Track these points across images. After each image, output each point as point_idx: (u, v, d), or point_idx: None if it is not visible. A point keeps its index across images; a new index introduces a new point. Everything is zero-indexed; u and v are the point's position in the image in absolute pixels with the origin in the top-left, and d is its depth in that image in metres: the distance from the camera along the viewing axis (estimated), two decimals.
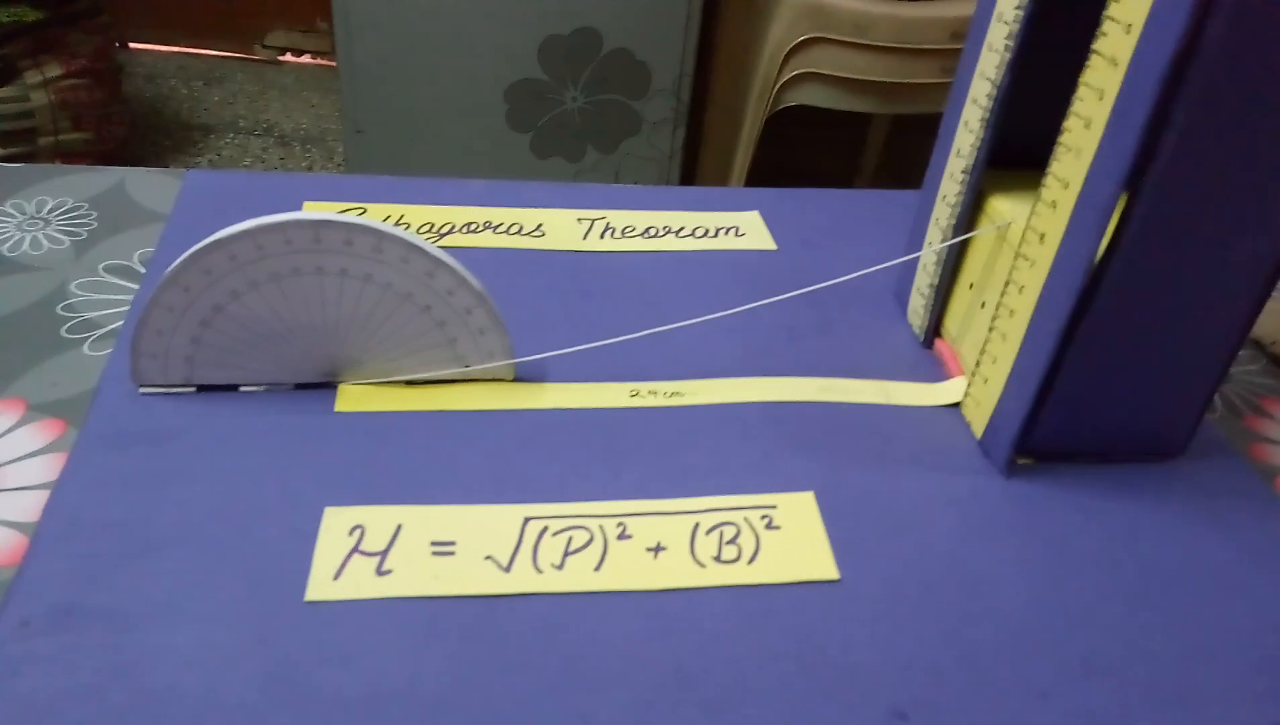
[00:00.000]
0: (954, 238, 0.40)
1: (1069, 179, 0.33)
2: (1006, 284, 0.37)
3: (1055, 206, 0.33)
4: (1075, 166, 0.32)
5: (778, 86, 1.46)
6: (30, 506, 0.32)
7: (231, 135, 1.83)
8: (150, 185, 0.48)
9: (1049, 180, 0.34)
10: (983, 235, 0.39)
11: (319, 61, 2.08)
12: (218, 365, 0.36)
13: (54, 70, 1.53)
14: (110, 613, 0.28)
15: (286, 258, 0.34)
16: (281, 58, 2.09)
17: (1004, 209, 0.38)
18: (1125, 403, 0.37)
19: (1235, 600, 0.33)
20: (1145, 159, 0.30)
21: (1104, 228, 0.32)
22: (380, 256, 0.34)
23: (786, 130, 1.53)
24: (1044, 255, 0.34)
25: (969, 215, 0.40)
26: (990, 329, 0.38)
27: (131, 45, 2.02)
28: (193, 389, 0.36)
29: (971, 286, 0.40)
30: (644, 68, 1.48)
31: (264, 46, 2.08)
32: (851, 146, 1.71)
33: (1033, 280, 0.35)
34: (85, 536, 0.30)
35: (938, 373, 0.42)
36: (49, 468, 0.33)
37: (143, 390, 0.36)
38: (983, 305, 0.39)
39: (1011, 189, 0.39)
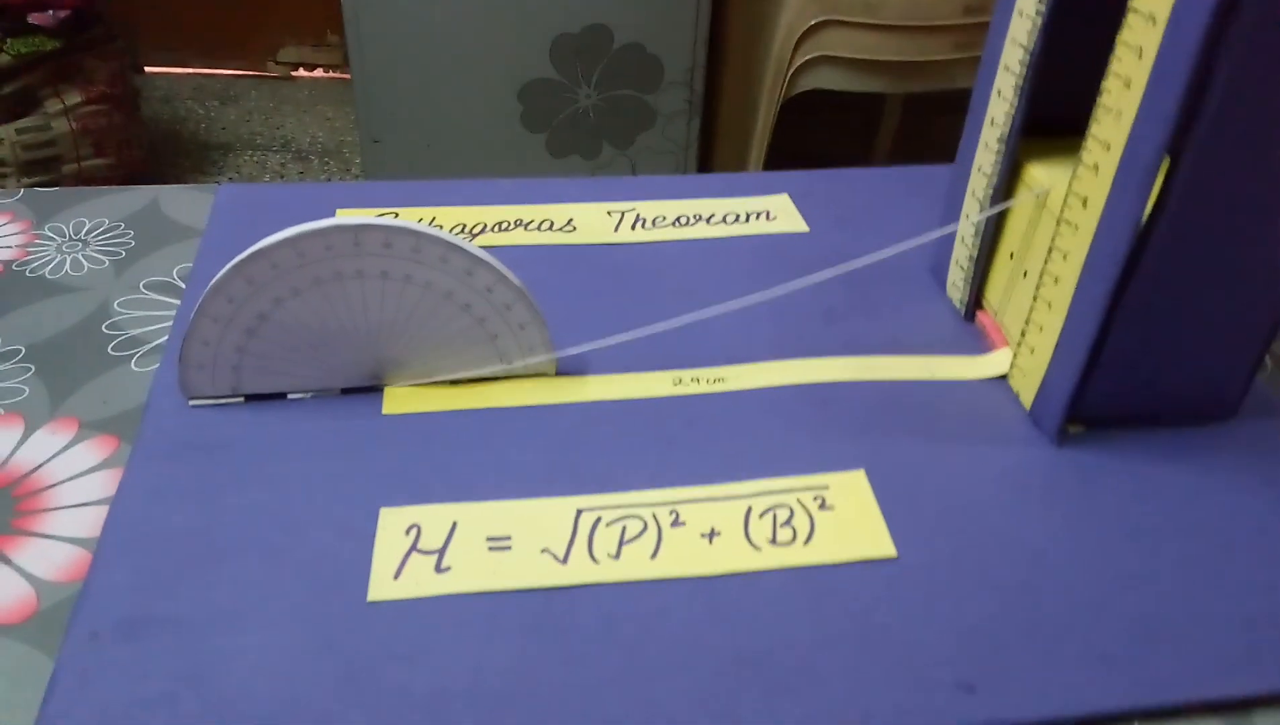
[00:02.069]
0: (992, 208, 0.39)
1: (1110, 141, 0.32)
2: (1049, 251, 0.36)
3: (1097, 170, 0.33)
4: (1116, 128, 0.32)
5: (790, 72, 1.45)
6: (90, 522, 0.32)
7: (250, 152, 1.84)
8: (183, 202, 0.48)
9: (1089, 143, 0.33)
10: (1022, 204, 0.39)
11: (332, 75, 2.10)
12: (265, 373, 0.36)
13: (74, 98, 1.55)
14: (177, 621, 0.29)
15: (327, 263, 0.34)
16: (294, 73, 2.10)
17: (1042, 176, 0.38)
18: (1175, 365, 0.36)
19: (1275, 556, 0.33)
20: (1189, 117, 0.30)
21: (1149, 190, 0.31)
22: (419, 257, 0.34)
23: (801, 116, 1.52)
24: (1087, 220, 0.34)
25: (1006, 185, 0.39)
26: (1034, 298, 0.37)
27: (146, 69, 2.04)
28: (241, 399, 0.36)
29: (1012, 256, 0.40)
30: (656, 61, 1.48)
31: (276, 63, 2.09)
32: (867, 128, 1.70)
33: (1077, 246, 0.35)
34: (146, 548, 0.31)
35: (981, 346, 0.42)
36: (106, 484, 0.33)
37: (192, 403, 0.36)
38: (1025, 275, 0.39)
39: (1048, 156, 0.38)
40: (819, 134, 1.73)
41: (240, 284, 0.34)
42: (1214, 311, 0.35)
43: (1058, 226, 0.36)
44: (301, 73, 2.10)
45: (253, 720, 0.26)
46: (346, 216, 0.34)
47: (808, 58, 1.42)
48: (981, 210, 0.40)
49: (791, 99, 1.43)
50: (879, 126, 1.69)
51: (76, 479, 0.34)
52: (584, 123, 1.49)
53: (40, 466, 0.34)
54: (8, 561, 0.31)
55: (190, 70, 2.08)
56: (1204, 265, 0.34)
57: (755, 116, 1.53)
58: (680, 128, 1.55)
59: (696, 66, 1.52)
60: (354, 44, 1.37)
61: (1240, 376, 0.37)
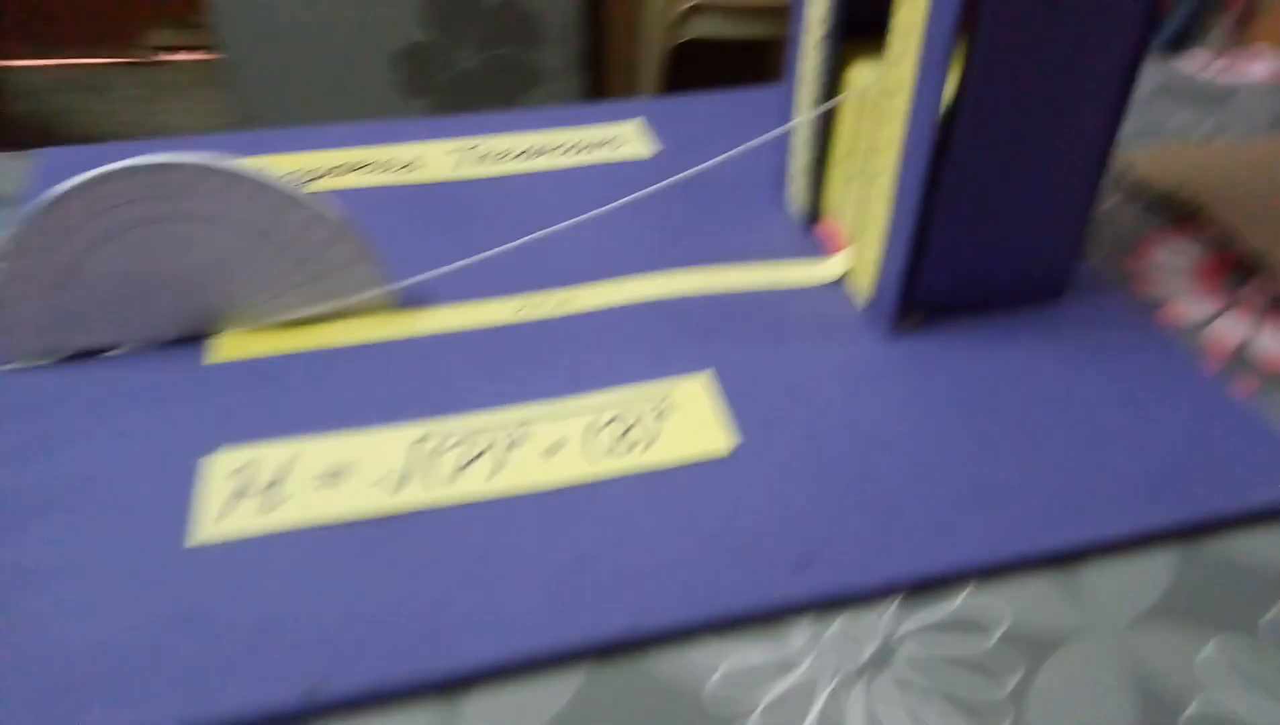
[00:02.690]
0: (816, 110, 0.40)
1: (909, 28, 0.33)
2: (869, 146, 0.37)
3: (901, 59, 0.33)
4: (913, 14, 0.32)
5: (672, 23, 1.45)
6: None
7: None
8: (3, 172, 0.46)
9: (893, 35, 0.34)
10: (846, 106, 0.39)
11: (203, 57, 2.02)
12: (79, 331, 0.34)
13: None
14: None
15: (128, 208, 0.32)
16: (163, 57, 2.02)
17: (863, 76, 0.38)
18: (1000, 247, 0.37)
19: (1122, 420, 0.34)
20: None
21: (945, 73, 0.32)
22: (227, 196, 0.33)
23: (689, 67, 1.52)
24: (897, 110, 0.34)
25: (830, 89, 0.40)
26: (861, 195, 0.38)
27: (4, 63, 1.94)
28: (56, 359, 0.35)
29: (843, 161, 0.40)
30: (531, 18, 1.46)
31: (142, 47, 2.00)
32: (756, 76, 1.70)
33: (891, 137, 0.35)
34: None
35: (823, 252, 0.42)
36: None
37: (5, 368, 0.34)
38: (855, 177, 0.39)
39: (868, 56, 0.39)
40: (709, 86, 1.73)
41: (41, 237, 0.32)
42: (1031, 193, 0.36)
43: (875, 118, 0.36)
44: (171, 56, 2.02)
45: (69, 671, 0.25)
46: (146, 157, 0.32)
47: (686, 6, 1.42)
48: (808, 115, 0.40)
49: (679, 51, 1.43)
50: (765, 73, 1.69)
51: None
52: (465, 85, 1.46)
53: None
54: None
55: (53, 61, 1.98)
56: (1013, 145, 0.34)
57: (640, 73, 1.52)
58: (565, 86, 1.53)
59: (574, 22, 1.50)
60: (220, 22, 1.32)
61: (1067, 255, 0.39)
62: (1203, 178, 0.46)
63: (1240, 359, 0.38)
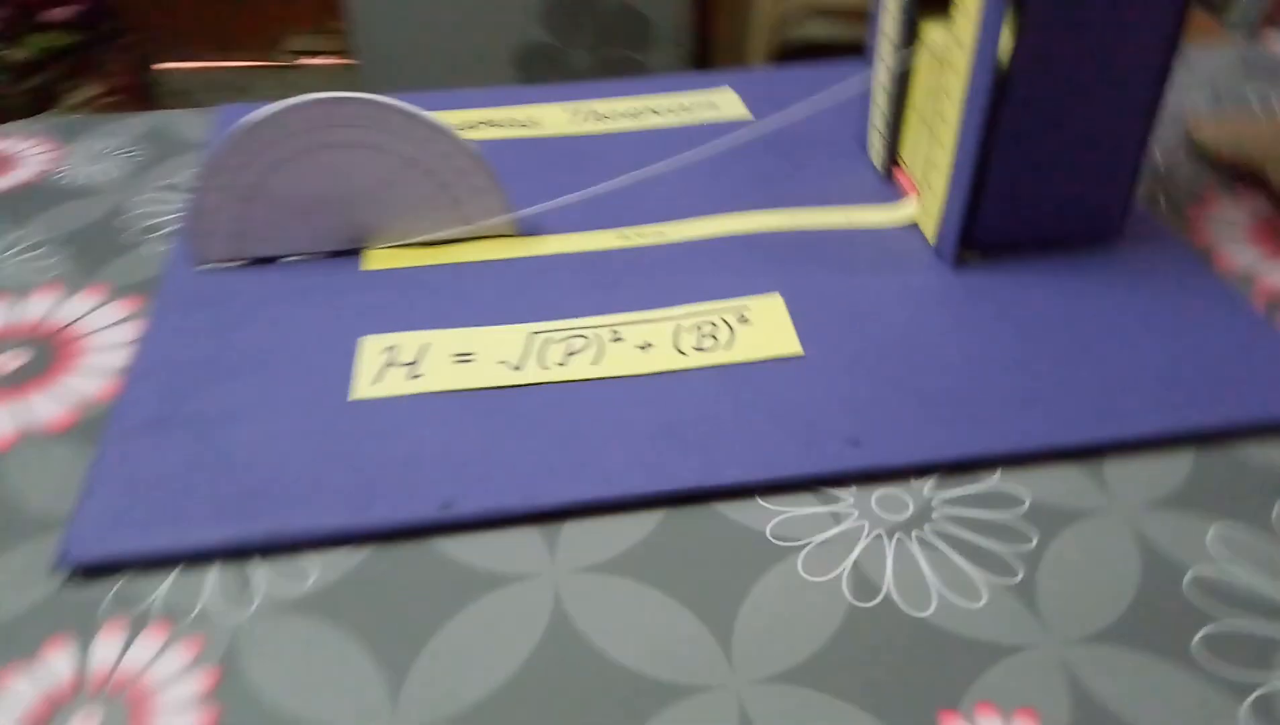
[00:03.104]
0: (896, 65, 0.44)
1: None
2: (938, 95, 0.41)
3: (965, 16, 0.38)
4: None
5: (780, 24, 1.49)
6: (120, 358, 0.38)
7: None
8: (189, 123, 0.54)
9: None
10: (920, 66, 0.44)
11: (336, 61, 2.15)
12: (260, 240, 0.42)
13: (92, 90, 1.62)
14: (190, 420, 0.34)
15: (304, 136, 0.39)
16: (300, 61, 2.16)
17: (937, 35, 0.43)
18: (1053, 191, 0.41)
19: (1157, 339, 0.38)
20: None
21: (1000, 27, 0.36)
22: (386, 128, 0.40)
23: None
24: (963, 60, 0.39)
25: (908, 46, 0.44)
26: (930, 141, 0.42)
27: (157, 66, 2.11)
28: (242, 263, 0.42)
29: (916, 116, 0.45)
30: (644, 19, 1.52)
31: (282, 52, 2.15)
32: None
33: (956, 85, 0.40)
34: (166, 370, 0.37)
35: (897, 199, 0.47)
36: (131, 331, 0.39)
37: (201, 268, 0.42)
38: (925, 129, 0.44)
39: (941, 22, 0.43)
40: None
41: (234, 157, 0.40)
42: (1082, 139, 0.40)
43: (942, 71, 0.41)
44: (309, 60, 2.16)
45: (254, 488, 0.32)
46: (319, 94, 0.39)
47: (797, 9, 1.46)
48: (890, 73, 0.45)
49: (785, 55, 1.48)
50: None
51: (107, 328, 0.40)
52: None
53: (78, 319, 0.40)
54: (53, 390, 0.37)
55: (200, 65, 2.14)
56: (1064, 95, 0.38)
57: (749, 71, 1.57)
58: None
59: (686, 24, 1.56)
60: (354, 29, 1.43)
61: (1119, 197, 0.42)
62: (1265, 144, 0.49)
63: None
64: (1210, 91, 0.58)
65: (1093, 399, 0.35)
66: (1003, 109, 0.38)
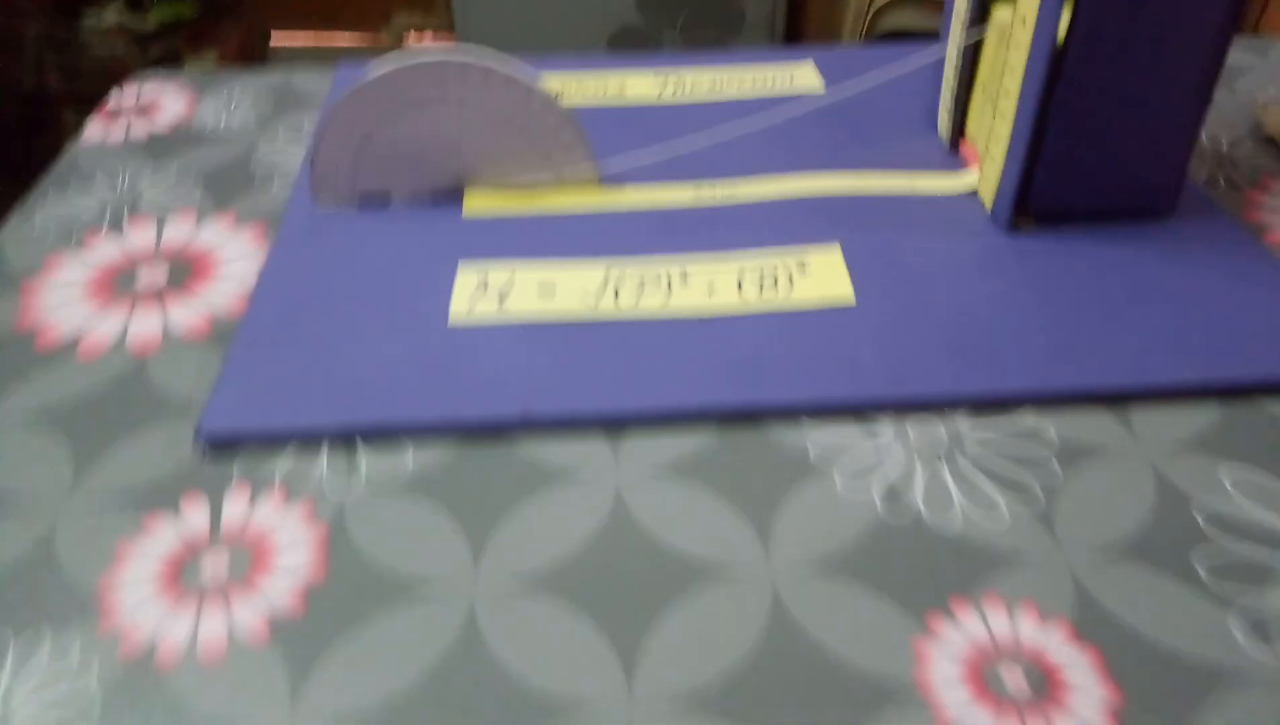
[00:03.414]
0: (965, 41, 0.47)
1: None
2: (1002, 70, 0.44)
3: None
4: None
5: (871, 13, 1.50)
6: (248, 278, 0.43)
7: None
8: (311, 79, 0.60)
9: None
10: (988, 43, 0.46)
11: (440, 38, 2.23)
12: (372, 183, 0.46)
13: (211, 58, 1.72)
14: (308, 332, 0.39)
15: (413, 91, 0.44)
16: (407, 38, 2.24)
17: (1004, 14, 0.45)
18: (1106, 163, 0.43)
19: (1199, 303, 0.40)
20: None
21: (1061, 5, 0.39)
22: (486, 86, 0.44)
23: None
24: (1025, 37, 0.41)
25: (978, 25, 0.47)
26: (993, 114, 0.45)
27: (269, 42, 2.21)
28: (355, 204, 0.47)
29: (982, 91, 0.47)
30: (737, 5, 1.55)
31: (389, 29, 2.24)
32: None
33: (1019, 61, 0.42)
34: (287, 291, 0.42)
35: (961, 169, 0.49)
36: (258, 254, 0.45)
37: (320, 203, 0.47)
38: (989, 103, 0.46)
39: (1009, 3, 0.46)
40: None
41: (351, 109, 0.44)
42: (1138, 110, 0.42)
43: (1007, 47, 0.43)
44: (414, 37, 2.24)
45: (361, 388, 0.37)
46: (428, 55, 0.44)
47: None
48: (959, 50, 0.48)
49: (874, 41, 1.49)
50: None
51: (236, 253, 0.45)
52: None
53: (210, 243, 0.45)
54: (192, 300, 0.42)
55: (310, 42, 2.24)
56: (1119, 72, 0.41)
57: None
58: None
59: (777, 11, 1.58)
60: (457, 7, 1.49)
61: (1171, 173, 0.44)
62: None
63: None
64: None
65: (1127, 350, 0.38)
66: (1059, 83, 0.41)
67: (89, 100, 1.58)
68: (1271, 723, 0.27)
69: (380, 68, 0.44)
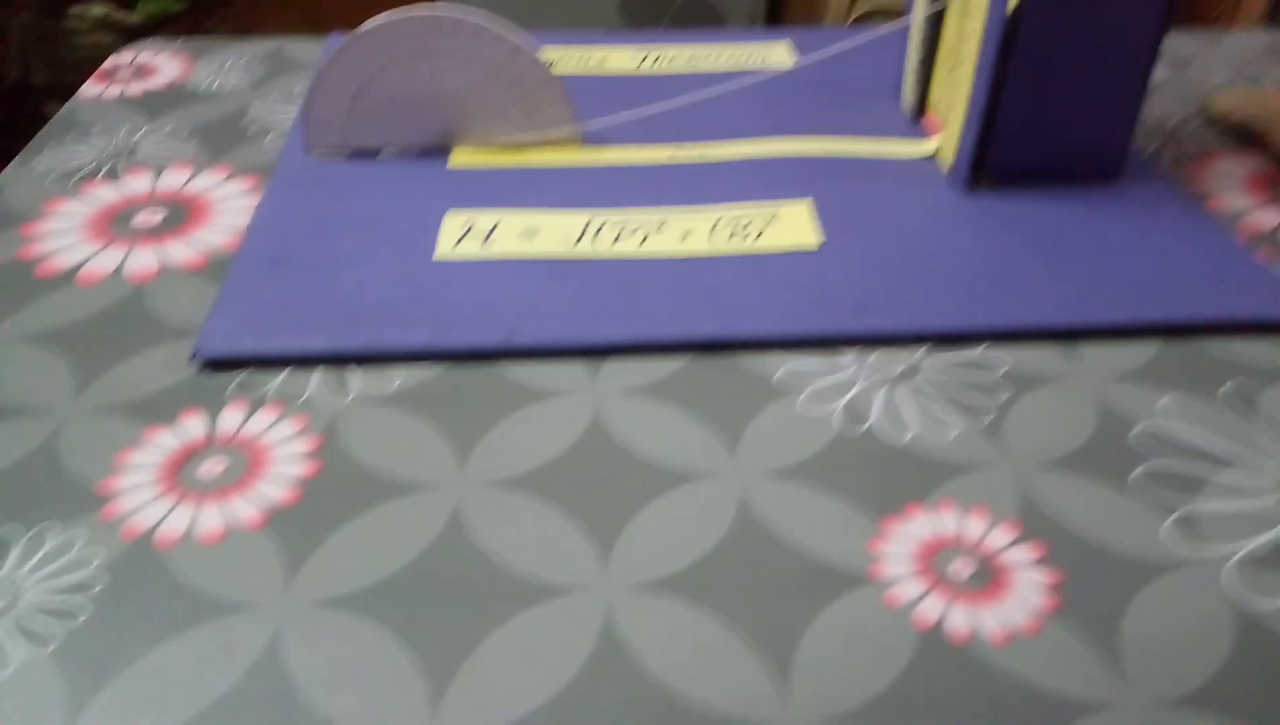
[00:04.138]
0: (929, 9, 0.50)
1: None
2: (960, 39, 0.46)
3: None
4: None
5: (852, 7, 1.55)
6: (244, 218, 0.45)
7: None
8: (302, 48, 0.62)
9: None
10: (950, 16, 0.49)
11: None
12: (364, 134, 0.48)
13: None
14: (302, 261, 0.41)
15: (405, 44, 0.46)
16: None
17: None
18: (1060, 125, 0.46)
19: (1140, 253, 0.43)
20: None
21: None
22: (476, 41, 0.46)
23: None
24: (981, 6, 0.44)
25: (939, 12, 0.50)
26: (953, 84, 0.48)
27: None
28: (346, 154, 0.49)
29: (944, 63, 0.50)
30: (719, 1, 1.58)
31: None
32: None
33: (975, 30, 0.45)
34: (282, 226, 0.44)
35: (925, 138, 0.52)
36: (252, 200, 0.47)
37: (313, 154, 0.49)
38: (950, 72, 0.49)
39: None
40: None
41: (349, 59, 0.46)
42: (1087, 77, 0.45)
43: (967, 17, 0.46)
44: None
45: (352, 313, 0.39)
46: (420, 9, 0.46)
47: None
48: (921, 17, 0.51)
49: (858, 21, 1.54)
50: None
51: (231, 197, 0.47)
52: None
53: (204, 191, 0.47)
54: (187, 239, 0.44)
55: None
56: (1069, 42, 0.43)
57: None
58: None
59: (758, 6, 1.61)
60: None
61: (1119, 138, 0.47)
62: (1270, 112, 0.53)
63: (1271, 239, 0.46)
64: (1234, 73, 0.62)
65: (1074, 292, 0.40)
66: (1012, 50, 0.44)
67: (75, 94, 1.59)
68: (1194, 604, 0.29)
69: (374, 21, 0.46)
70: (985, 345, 0.39)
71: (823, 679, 0.27)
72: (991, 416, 0.36)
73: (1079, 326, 0.39)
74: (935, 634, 0.28)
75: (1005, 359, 0.38)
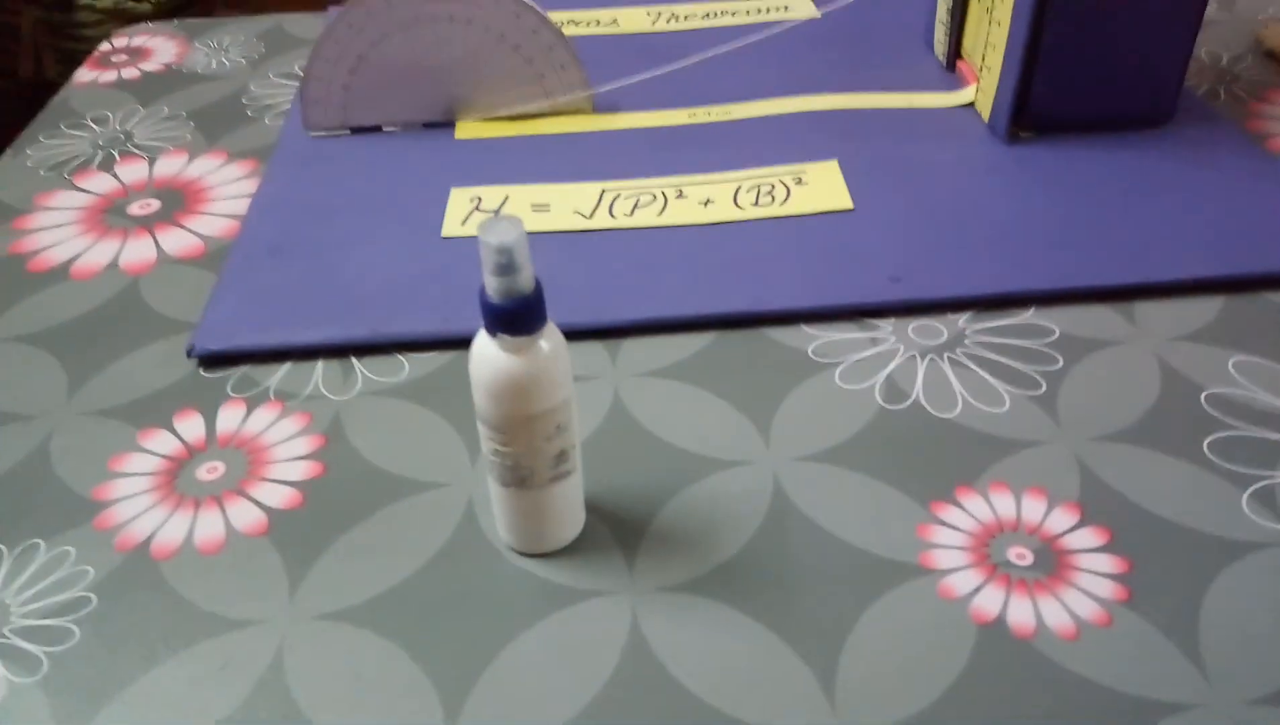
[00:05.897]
0: None
1: None
2: None
3: None
4: None
5: None
6: (241, 205, 0.43)
7: None
8: (301, 24, 0.59)
9: None
10: None
11: None
12: (365, 108, 0.46)
13: None
14: (304, 245, 0.39)
15: (405, 8, 0.44)
16: None
17: None
18: (1105, 68, 0.43)
19: (1199, 202, 0.39)
20: None
21: None
22: (480, 2, 0.44)
23: None
24: None
25: None
26: (988, 26, 0.44)
27: None
28: (348, 131, 0.46)
29: (976, 8, 0.47)
30: None
31: None
32: None
33: None
34: (283, 208, 0.41)
35: (958, 87, 0.49)
36: (250, 185, 0.44)
37: (312, 134, 0.46)
38: (984, 19, 0.46)
39: None
40: None
41: (344, 29, 0.44)
42: (1134, 16, 0.41)
43: None
44: None
45: (356, 301, 0.36)
46: None
47: None
48: None
49: None
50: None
51: (227, 183, 0.45)
52: None
53: (201, 176, 0.45)
54: (185, 227, 0.42)
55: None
56: None
57: None
58: None
59: None
60: None
61: (1170, 78, 0.44)
62: None
63: None
64: None
65: (1128, 248, 0.37)
66: None
67: None
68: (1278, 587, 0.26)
69: None
70: (1033, 309, 0.36)
71: (874, 682, 0.25)
72: (1044, 385, 0.33)
73: (1135, 285, 0.36)
74: (996, 628, 0.26)
75: (1056, 323, 0.35)
